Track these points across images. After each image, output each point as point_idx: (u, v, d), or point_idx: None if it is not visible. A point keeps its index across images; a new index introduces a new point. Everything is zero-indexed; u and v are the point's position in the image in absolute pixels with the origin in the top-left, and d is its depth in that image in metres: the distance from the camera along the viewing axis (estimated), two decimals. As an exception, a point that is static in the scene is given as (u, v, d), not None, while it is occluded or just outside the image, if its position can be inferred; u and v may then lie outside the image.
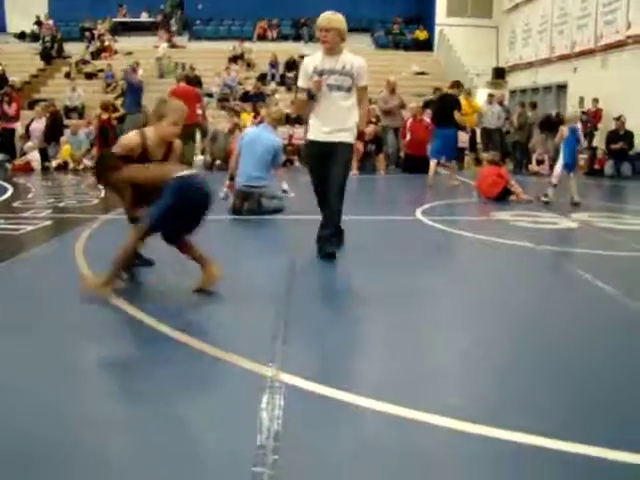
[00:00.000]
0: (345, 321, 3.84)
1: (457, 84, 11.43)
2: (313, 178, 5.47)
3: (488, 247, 6.07)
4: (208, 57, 20.79)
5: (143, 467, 2.18)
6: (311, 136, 5.46)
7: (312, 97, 5.25)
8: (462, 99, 14.99)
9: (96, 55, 20.72)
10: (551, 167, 13.86)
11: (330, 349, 3.31)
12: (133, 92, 13.39)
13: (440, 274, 5.13)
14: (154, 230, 4.07)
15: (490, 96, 15.42)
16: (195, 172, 4.46)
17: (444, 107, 10.91)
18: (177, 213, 3.97)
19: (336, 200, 5.24)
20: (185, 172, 4.14)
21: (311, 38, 22.49)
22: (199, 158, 13.89)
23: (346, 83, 5.20)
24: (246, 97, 15.95)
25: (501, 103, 15.39)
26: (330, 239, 5.26)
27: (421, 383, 2.89)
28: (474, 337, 3.53)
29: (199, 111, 11.41)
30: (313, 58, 5.37)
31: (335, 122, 5.23)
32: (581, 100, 16.08)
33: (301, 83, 5.37)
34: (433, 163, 10.83)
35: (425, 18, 23.46)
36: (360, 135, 5.47)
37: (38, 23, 22.85)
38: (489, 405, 2.67)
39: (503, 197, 8.89)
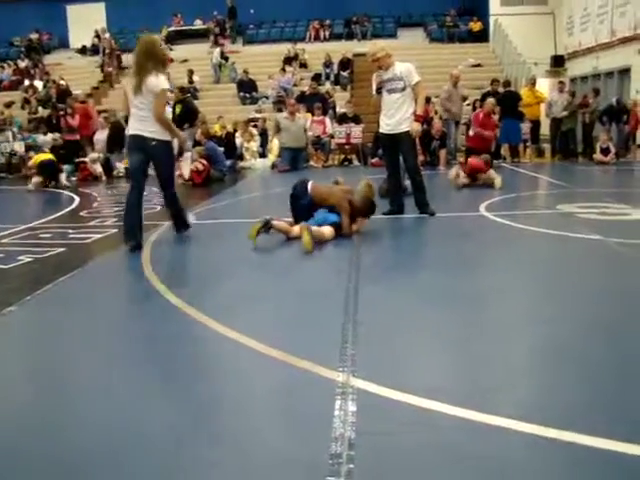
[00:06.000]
0: (416, 322, 3.75)
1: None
2: None
3: (555, 241, 5.89)
4: (262, 60, 20.97)
5: (214, 478, 2.19)
6: None
7: None
8: (526, 89, 14.74)
9: (153, 64, 21.11)
10: (617, 155, 13.45)
11: (402, 352, 3.24)
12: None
13: (511, 271, 4.98)
14: None
15: (561, 83, 15.02)
16: None
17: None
18: None
19: None
20: None
21: (364, 36, 22.41)
22: (259, 161, 14.14)
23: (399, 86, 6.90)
24: (302, 98, 15.96)
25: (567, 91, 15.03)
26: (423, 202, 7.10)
27: (498, 386, 2.80)
28: (552, 336, 3.40)
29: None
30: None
31: None
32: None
33: None
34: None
35: (479, 9, 23.04)
36: None
37: (97, 37, 23.52)
38: (571, 409, 2.56)
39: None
